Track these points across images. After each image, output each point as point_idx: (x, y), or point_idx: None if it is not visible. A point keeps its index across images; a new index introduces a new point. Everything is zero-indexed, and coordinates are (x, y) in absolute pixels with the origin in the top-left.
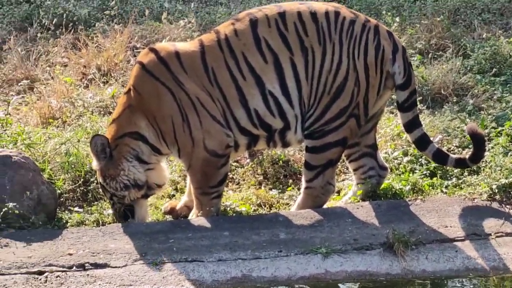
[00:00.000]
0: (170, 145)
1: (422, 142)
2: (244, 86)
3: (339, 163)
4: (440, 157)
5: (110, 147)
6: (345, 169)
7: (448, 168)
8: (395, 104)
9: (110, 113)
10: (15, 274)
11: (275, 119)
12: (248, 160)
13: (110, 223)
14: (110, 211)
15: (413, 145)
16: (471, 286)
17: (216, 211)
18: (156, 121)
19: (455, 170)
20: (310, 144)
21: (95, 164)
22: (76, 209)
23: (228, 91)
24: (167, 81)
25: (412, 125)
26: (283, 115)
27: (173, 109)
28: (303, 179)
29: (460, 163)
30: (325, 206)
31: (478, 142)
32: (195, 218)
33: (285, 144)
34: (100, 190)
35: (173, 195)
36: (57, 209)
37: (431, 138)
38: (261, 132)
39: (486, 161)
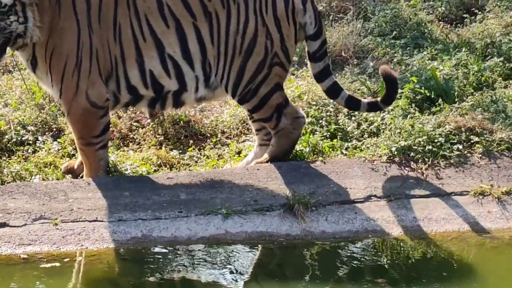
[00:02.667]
0: (54, 81)
1: (334, 90)
2: (143, 48)
3: (240, 125)
4: (353, 102)
5: None
6: (245, 130)
7: (348, 130)
8: (306, 54)
9: (10, 71)
10: None
11: (170, 80)
12: (149, 121)
13: (9, 183)
14: (10, 169)
15: (313, 106)
16: (370, 247)
17: (105, 164)
18: (52, 49)
19: (355, 132)
20: (249, 106)
21: None
22: None
23: (127, 49)
24: (82, 22)
25: (323, 74)
26: (180, 77)
27: (72, 50)
28: (269, 129)
29: (373, 106)
30: (225, 166)
31: (391, 83)
32: (94, 178)
33: (178, 105)
34: None
35: (73, 155)
36: None
37: None
38: (148, 93)
39: (386, 124)
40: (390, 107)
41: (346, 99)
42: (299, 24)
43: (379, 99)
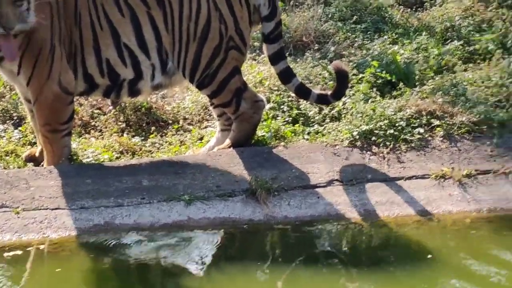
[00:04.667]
0: (23, 67)
1: (286, 75)
2: (100, 36)
3: (202, 111)
4: (303, 91)
5: None
6: (207, 116)
7: (310, 114)
8: (261, 36)
9: None
10: None
11: (126, 69)
12: (110, 108)
13: None
14: None
15: (275, 91)
16: (332, 232)
17: (68, 151)
18: (31, 37)
19: (317, 117)
20: (208, 91)
21: None
22: None
23: (86, 37)
24: (53, 8)
25: (277, 57)
26: (136, 66)
27: (47, 36)
28: (229, 114)
29: (322, 99)
30: (187, 153)
31: (342, 78)
32: (56, 165)
33: (134, 93)
34: None
35: (34, 143)
36: None
37: None
38: (104, 81)
39: (347, 108)
40: (351, 92)
41: (296, 86)
42: (253, 6)
43: (329, 92)
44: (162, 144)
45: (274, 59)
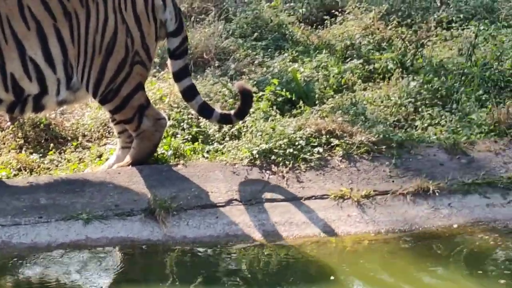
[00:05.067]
0: None
1: (190, 92)
2: (5, 50)
3: (102, 128)
4: (205, 110)
5: None
6: (106, 133)
7: (209, 132)
8: (167, 51)
9: None
10: None
11: (31, 83)
12: (8, 124)
13: None
14: None
15: (175, 108)
16: (230, 252)
17: None
18: None
19: (216, 135)
20: (111, 107)
21: None
22: None
23: None
24: None
25: (182, 74)
26: (41, 81)
27: None
28: (130, 131)
29: (225, 118)
30: (86, 170)
31: (246, 97)
32: None
33: (38, 109)
34: None
35: None
36: None
37: None
38: (9, 97)
39: (247, 126)
40: (251, 110)
41: (200, 105)
42: (160, 21)
43: (232, 112)
44: (61, 161)
45: (179, 75)
